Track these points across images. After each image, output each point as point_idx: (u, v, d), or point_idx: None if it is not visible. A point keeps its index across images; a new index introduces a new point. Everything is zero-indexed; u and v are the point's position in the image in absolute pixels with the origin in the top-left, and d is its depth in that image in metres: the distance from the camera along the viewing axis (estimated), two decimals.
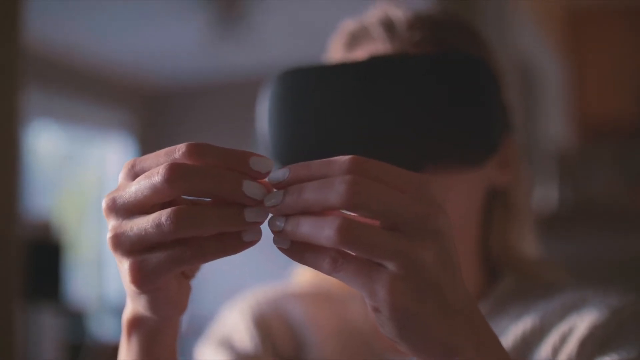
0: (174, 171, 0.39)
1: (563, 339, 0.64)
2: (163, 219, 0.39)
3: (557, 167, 3.39)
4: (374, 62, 0.60)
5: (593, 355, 0.58)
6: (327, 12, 2.94)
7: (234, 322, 0.77)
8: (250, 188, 0.40)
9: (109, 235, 0.42)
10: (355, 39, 0.71)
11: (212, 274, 5.09)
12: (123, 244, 0.41)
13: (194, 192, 0.40)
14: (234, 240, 0.41)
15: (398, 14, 0.69)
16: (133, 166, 0.42)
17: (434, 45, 0.67)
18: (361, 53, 0.69)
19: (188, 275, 0.47)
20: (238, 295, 0.82)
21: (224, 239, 0.41)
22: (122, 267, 0.42)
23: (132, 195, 0.41)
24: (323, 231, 0.38)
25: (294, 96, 0.60)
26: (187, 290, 0.47)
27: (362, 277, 0.39)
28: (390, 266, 0.39)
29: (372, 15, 0.71)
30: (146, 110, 5.33)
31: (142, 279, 0.41)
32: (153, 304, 0.43)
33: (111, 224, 0.42)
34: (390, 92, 0.58)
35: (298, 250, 0.41)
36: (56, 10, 3.66)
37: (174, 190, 0.39)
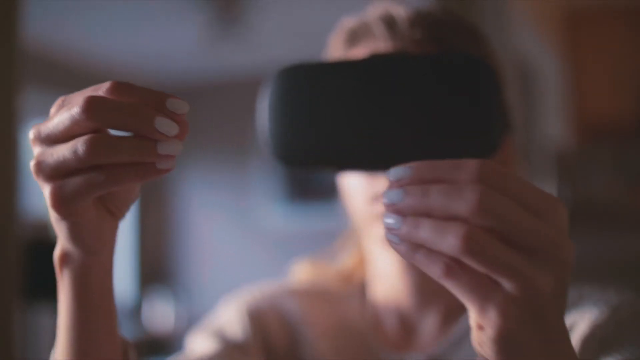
0: (91, 103, 0.41)
1: None
2: (79, 145, 0.41)
3: (556, 167, 3.39)
4: (374, 61, 0.59)
5: (596, 355, 0.58)
6: (326, 12, 2.94)
7: (227, 315, 0.78)
8: (163, 124, 0.41)
9: (31, 162, 0.44)
10: (355, 36, 0.71)
11: (212, 273, 5.09)
12: (44, 170, 0.43)
13: (110, 124, 0.41)
14: (148, 168, 0.42)
15: (399, 11, 0.69)
16: (63, 101, 0.44)
17: (434, 44, 0.67)
18: (361, 50, 0.69)
19: (113, 212, 0.48)
20: (235, 291, 0.82)
21: (139, 166, 0.42)
22: (44, 194, 0.44)
23: (54, 126, 0.43)
24: (446, 238, 0.38)
25: (294, 93, 0.60)
26: (111, 227, 0.48)
27: (474, 291, 0.39)
28: (508, 286, 0.38)
29: (373, 13, 0.71)
30: None
31: (59, 203, 0.43)
32: (73, 232, 0.45)
33: (35, 152, 0.44)
34: (391, 90, 0.58)
35: (410, 248, 0.40)
36: (55, 10, 3.65)
37: (90, 120, 0.41)
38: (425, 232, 0.38)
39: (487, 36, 0.73)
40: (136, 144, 0.41)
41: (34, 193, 4.06)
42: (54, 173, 0.43)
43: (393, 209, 0.40)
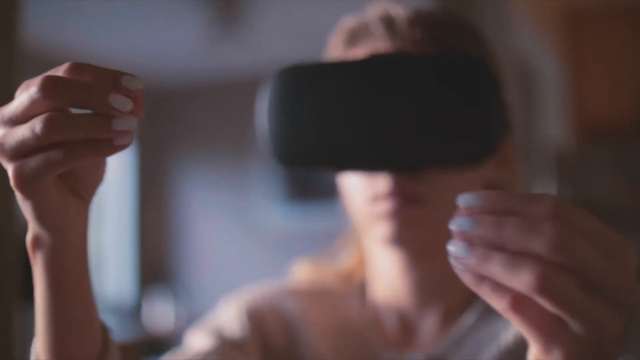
0: (47, 82, 0.42)
1: None
2: (36, 124, 0.42)
3: (556, 167, 3.39)
4: (374, 61, 0.59)
5: None
6: (325, 12, 2.94)
7: (226, 314, 0.78)
8: (117, 100, 0.42)
9: None
10: (355, 36, 0.71)
11: (212, 273, 5.09)
12: (6, 151, 0.44)
13: (66, 101, 0.42)
14: (105, 144, 0.43)
15: (399, 11, 0.69)
16: (26, 84, 0.45)
17: (434, 44, 0.67)
18: (361, 50, 0.69)
19: (80, 194, 0.48)
20: (236, 291, 0.82)
21: (96, 142, 0.43)
22: (9, 174, 0.45)
23: (15, 107, 0.44)
24: (519, 274, 0.37)
25: (293, 93, 0.60)
26: (78, 209, 0.48)
27: (541, 329, 0.38)
28: (576, 327, 0.38)
29: (373, 13, 0.71)
30: (145, 110, 5.32)
31: (20, 181, 0.44)
32: (37, 212, 0.46)
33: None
34: (390, 90, 0.58)
35: (476, 278, 0.39)
36: (55, 10, 3.65)
37: (47, 99, 0.42)
38: (496, 266, 0.38)
39: (486, 36, 0.73)
40: (92, 120, 0.42)
41: None
42: (15, 153, 0.44)
43: (462, 236, 0.39)
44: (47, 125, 0.42)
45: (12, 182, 0.45)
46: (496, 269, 0.38)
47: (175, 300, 4.97)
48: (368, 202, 0.68)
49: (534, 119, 3.51)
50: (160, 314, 4.86)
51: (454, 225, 0.40)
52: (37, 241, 0.49)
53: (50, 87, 0.42)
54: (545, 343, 0.38)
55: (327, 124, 0.60)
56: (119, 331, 4.50)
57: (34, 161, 0.43)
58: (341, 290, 0.79)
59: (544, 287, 0.36)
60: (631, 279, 0.38)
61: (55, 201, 0.46)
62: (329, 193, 4.47)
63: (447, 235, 0.69)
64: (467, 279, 0.40)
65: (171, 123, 5.41)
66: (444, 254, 0.70)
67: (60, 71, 0.44)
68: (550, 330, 0.38)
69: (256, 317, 0.76)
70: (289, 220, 4.85)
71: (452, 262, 0.40)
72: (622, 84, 4.24)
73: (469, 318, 0.70)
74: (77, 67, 0.43)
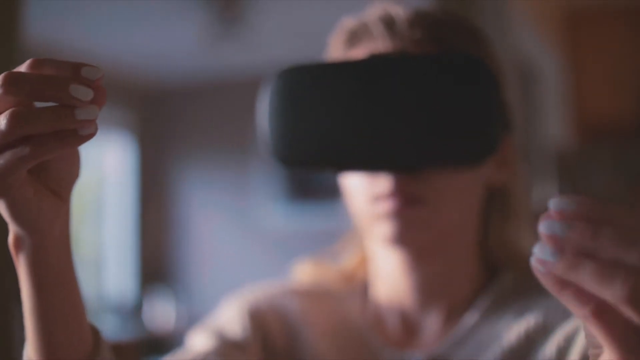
0: (8, 78, 0.42)
1: (568, 340, 0.64)
2: (0, 120, 0.42)
3: (557, 167, 3.39)
4: (374, 61, 0.60)
5: None
6: (326, 13, 2.94)
7: (228, 314, 0.78)
8: (77, 90, 0.43)
9: None
10: (355, 36, 0.71)
11: (212, 273, 5.09)
12: None
13: (28, 95, 0.43)
14: (70, 134, 0.43)
15: (398, 11, 0.69)
16: None
17: (434, 44, 0.67)
18: (361, 51, 0.69)
19: (56, 191, 0.48)
20: (237, 291, 0.82)
21: (61, 134, 0.43)
22: None
23: None
24: (613, 285, 0.36)
25: (294, 93, 0.60)
26: (55, 206, 0.48)
27: (622, 339, 0.37)
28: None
29: (373, 13, 0.71)
30: (145, 109, 5.33)
31: None
32: (11, 211, 0.46)
33: None
34: (391, 91, 0.58)
35: (559, 284, 0.38)
36: (56, 9, 3.66)
37: (9, 94, 0.42)
38: (587, 274, 0.37)
39: (487, 36, 0.73)
40: (55, 111, 0.43)
41: None
42: None
43: (552, 240, 0.38)
44: (10, 120, 0.42)
45: None
46: (586, 277, 0.37)
47: (175, 300, 4.97)
48: (369, 202, 0.68)
49: (534, 119, 3.51)
50: (161, 313, 4.86)
51: (543, 228, 0.38)
52: (18, 241, 0.49)
53: (10, 82, 0.42)
54: (625, 353, 0.37)
55: (327, 124, 0.60)
56: (119, 330, 4.50)
57: (2, 158, 0.43)
58: (343, 290, 0.79)
59: (636, 298, 0.35)
60: None
61: (29, 199, 0.46)
62: (329, 193, 4.47)
63: (448, 235, 0.70)
64: (550, 284, 0.38)
65: (171, 123, 5.41)
66: (446, 253, 0.71)
67: (22, 68, 0.44)
68: (632, 342, 0.37)
69: (257, 317, 0.76)
70: (289, 220, 4.85)
71: (535, 264, 0.38)
72: (622, 84, 4.24)
73: (470, 318, 0.71)
74: (38, 62, 0.44)
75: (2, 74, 0.43)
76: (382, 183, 0.66)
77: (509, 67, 2.39)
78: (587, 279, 0.37)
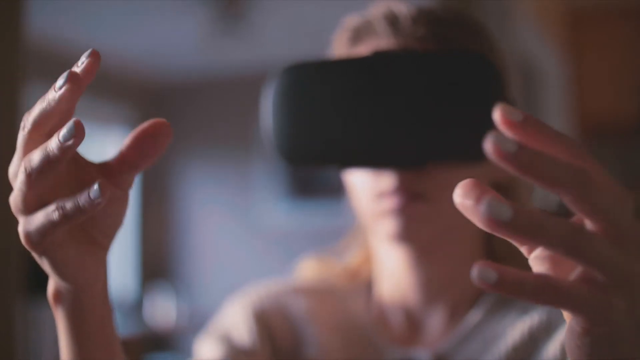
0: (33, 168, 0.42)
1: None
2: (19, 180, 0.42)
3: None
4: (378, 58, 0.60)
5: None
6: (328, 9, 2.94)
7: (234, 317, 0.78)
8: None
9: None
10: (358, 34, 0.71)
11: (214, 270, 5.10)
12: (12, 207, 0.44)
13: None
14: (86, 200, 0.42)
15: (402, 9, 0.69)
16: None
17: (437, 41, 0.67)
18: (365, 48, 0.69)
19: (99, 242, 0.48)
20: (239, 290, 0.82)
21: (79, 199, 0.42)
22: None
23: (13, 163, 0.45)
24: (560, 239, 0.35)
25: (298, 91, 0.60)
26: (98, 259, 0.47)
27: (584, 298, 0.36)
28: (606, 280, 0.37)
29: (376, 11, 0.71)
30: (147, 105, 5.33)
31: (27, 240, 0.44)
32: (54, 268, 0.45)
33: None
34: (394, 87, 0.58)
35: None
36: (58, 5, 3.66)
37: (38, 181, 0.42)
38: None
39: (490, 33, 0.73)
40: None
41: None
42: (16, 210, 0.44)
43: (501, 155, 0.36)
44: (25, 175, 0.42)
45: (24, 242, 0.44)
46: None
47: (176, 297, 4.97)
48: (373, 199, 0.68)
49: (537, 117, 3.51)
50: (162, 310, 4.86)
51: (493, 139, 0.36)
52: (58, 294, 0.48)
53: (37, 174, 0.42)
54: (592, 310, 0.36)
55: (331, 121, 0.60)
56: (120, 327, 4.50)
57: (36, 219, 0.43)
58: (347, 288, 0.79)
59: (572, 244, 0.35)
60: (636, 219, 0.38)
61: (71, 255, 0.45)
62: (332, 191, 4.48)
63: (453, 232, 0.70)
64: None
65: (173, 120, 5.40)
66: (450, 250, 0.71)
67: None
68: (590, 296, 0.36)
69: (263, 320, 0.76)
70: (291, 217, 4.86)
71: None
72: (624, 84, 4.24)
73: (475, 315, 0.71)
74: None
75: (28, 158, 0.42)
76: (386, 180, 0.66)
77: (512, 64, 2.38)
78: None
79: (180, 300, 4.98)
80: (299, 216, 4.84)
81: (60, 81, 0.42)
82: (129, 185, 0.47)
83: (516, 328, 0.68)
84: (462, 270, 0.72)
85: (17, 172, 0.44)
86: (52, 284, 0.48)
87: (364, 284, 0.79)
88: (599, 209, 0.36)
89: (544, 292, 0.35)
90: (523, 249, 0.40)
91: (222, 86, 5.20)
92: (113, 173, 0.46)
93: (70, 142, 0.41)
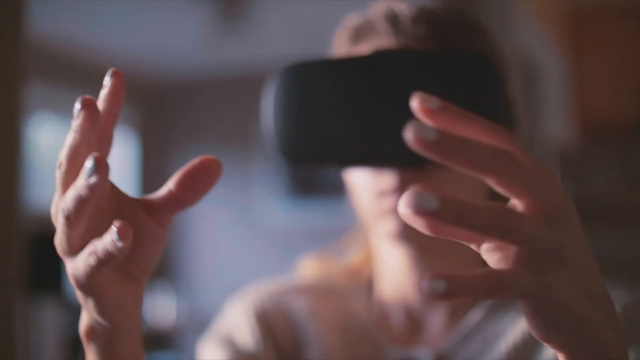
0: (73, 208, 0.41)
1: None
2: (60, 222, 0.41)
3: (559, 166, 3.39)
4: (378, 57, 0.60)
5: None
6: (329, 9, 2.94)
7: (235, 319, 0.78)
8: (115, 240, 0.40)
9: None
10: (359, 33, 0.71)
11: (214, 268, 5.10)
12: (59, 249, 0.43)
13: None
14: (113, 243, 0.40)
15: (403, 8, 0.69)
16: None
17: (438, 40, 0.67)
18: (365, 47, 0.69)
19: (136, 278, 0.46)
20: (240, 290, 0.82)
21: (108, 240, 0.40)
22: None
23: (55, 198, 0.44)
24: (487, 221, 0.36)
25: (299, 90, 0.60)
26: (136, 295, 0.46)
27: (521, 281, 0.37)
28: (540, 259, 0.37)
29: (377, 10, 0.71)
30: (147, 104, 5.33)
31: (74, 280, 0.43)
32: (99, 307, 0.44)
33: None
34: (395, 86, 0.58)
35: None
36: (58, 5, 3.66)
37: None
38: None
39: (491, 32, 0.73)
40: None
41: (37, 186, 4.07)
42: (62, 251, 0.43)
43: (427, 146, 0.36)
44: (63, 216, 0.41)
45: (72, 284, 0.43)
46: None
47: (176, 295, 4.97)
48: (374, 198, 0.68)
49: (537, 117, 3.51)
50: (162, 308, 4.86)
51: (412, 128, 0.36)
52: (91, 331, 0.47)
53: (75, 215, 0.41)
54: (528, 285, 0.36)
55: (332, 120, 0.60)
56: None
57: (79, 262, 0.42)
58: (347, 287, 0.79)
59: (499, 224, 0.36)
60: (567, 198, 0.38)
61: (115, 295, 0.44)
62: (332, 190, 4.48)
63: None
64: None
65: (174, 118, 5.41)
66: (450, 249, 0.71)
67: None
68: (525, 269, 0.37)
69: (264, 320, 0.76)
70: (291, 216, 4.86)
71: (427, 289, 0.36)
72: (625, 83, 4.24)
73: (475, 315, 0.71)
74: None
75: (72, 198, 0.41)
76: (386, 179, 0.66)
77: (513, 64, 2.38)
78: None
79: (180, 299, 4.98)
80: (299, 215, 4.84)
81: (76, 107, 0.41)
82: (169, 221, 0.46)
83: (517, 327, 0.68)
84: (463, 269, 0.72)
85: (58, 209, 0.43)
86: (87, 320, 0.47)
87: (365, 283, 0.79)
88: (526, 188, 0.37)
89: (496, 287, 0.35)
90: (473, 246, 0.41)
91: (223, 85, 5.20)
92: (157, 209, 0.45)
93: (94, 180, 0.39)
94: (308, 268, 0.85)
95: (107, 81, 0.42)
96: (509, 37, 2.51)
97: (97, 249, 0.41)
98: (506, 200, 0.39)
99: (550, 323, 0.37)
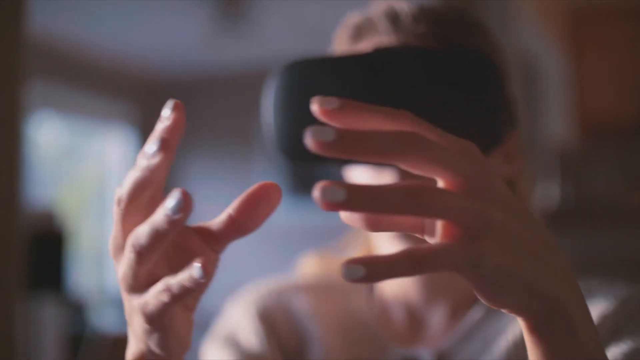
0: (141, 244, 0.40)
1: None
2: (128, 259, 0.40)
3: (559, 165, 3.39)
4: (378, 54, 0.60)
5: (605, 343, 0.58)
6: (329, 7, 2.94)
7: (238, 318, 0.77)
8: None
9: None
10: (360, 31, 0.71)
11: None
12: (125, 285, 0.42)
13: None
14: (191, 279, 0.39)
15: (403, 6, 0.69)
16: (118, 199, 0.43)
17: (438, 38, 0.67)
18: (365, 45, 0.69)
19: (192, 310, 0.46)
20: (241, 289, 0.82)
21: (186, 276, 0.39)
22: (130, 308, 0.43)
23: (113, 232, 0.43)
24: (402, 200, 0.35)
25: (299, 88, 0.61)
26: (190, 324, 0.46)
27: (450, 251, 0.36)
28: (466, 227, 0.37)
29: (377, 8, 0.71)
30: (148, 102, 5.33)
31: (146, 318, 0.41)
32: (162, 340, 0.43)
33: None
34: (395, 83, 0.58)
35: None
36: (59, 3, 3.66)
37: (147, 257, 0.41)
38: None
39: (491, 31, 0.73)
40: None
41: (37, 184, 4.07)
42: (130, 288, 0.42)
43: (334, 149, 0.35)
44: (135, 252, 0.40)
45: (142, 319, 0.42)
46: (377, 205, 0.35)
47: None
48: None
49: (537, 116, 3.51)
50: None
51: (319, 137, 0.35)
52: None
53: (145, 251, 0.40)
54: (458, 257, 0.36)
55: None
56: (120, 324, 4.51)
57: (150, 298, 0.41)
58: (348, 285, 0.79)
59: (418, 202, 0.35)
60: (483, 164, 0.38)
61: (178, 327, 0.44)
62: None
63: None
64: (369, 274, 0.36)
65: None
66: None
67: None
68: (453, 245, 0.36)
69: (267, 319, 0.76)
70: (291, 214, 4.86)
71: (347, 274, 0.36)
72: (625, 83, 4.24)
73: (476, 313, 0.71)
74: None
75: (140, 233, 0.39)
76: (386, 177, 0.66)
77: (513, 63, 2.38)
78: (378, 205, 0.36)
79: None
80: (300, 213, 4.84)
81: (152, 147, 0.40)
82: (224, 248, 0.45)
83: (517, 324, 0.68)
84: None
85: (118, 247, 0.42)
86: (138, 349, 0.45)
87: None
88: (440, 165, 0.37)
89: (420, 263, 0.35)
90: (424, 236, 0.41)
91: (223, 84, 5.20)
92: (214, 236, 0.44)
93: (178, 216, 0.39)
94: (309, 267, 0.85)
95: (167, 114, 0.41)
96: (509, 36, 2.51)
97: (172, 286, 0.39)
98: None
99: (497, 289, 0.37)
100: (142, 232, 0.40)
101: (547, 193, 3.04)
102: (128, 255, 0.40)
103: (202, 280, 0.38)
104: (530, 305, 0.39)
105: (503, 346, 0.67)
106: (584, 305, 0.41)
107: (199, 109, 5.30)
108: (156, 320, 0.41)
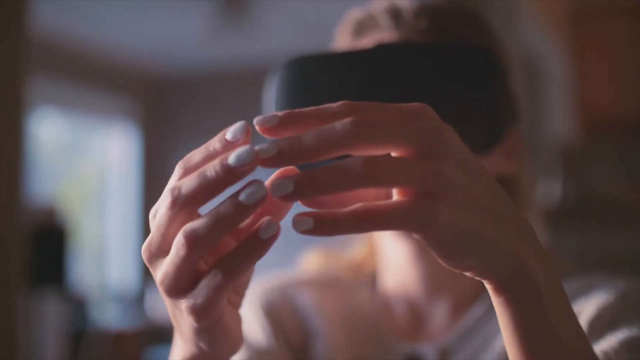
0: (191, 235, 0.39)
1: None
2: (176, 249, 0.38)
3: (561, 162, 3.39)
4: (380, 50, 0.60)
5: (603, 333, 0.59)
6: (331, 4, 2.94)
7: (243, 313, 0.78)
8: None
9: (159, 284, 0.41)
10: (361, 27, 0.71)
11: None
12: (166, 289, 0.41)
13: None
14: (257, 243, 0.38)
15: (404, 2, 0.69)
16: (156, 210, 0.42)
17: (439, 34, 0.67)
18: (367, 41, 0.69)
19: (235, 302, 0.45)
20: None
21: (247, 246, 0.38)
22: (176, 311, 0.42)
23: (152, 237, 0.41)
24: (349, 175, 0.35)
25: (301, 84, 0.61)
26: (240, 321, 0.45)
27: (406, 210, 0.36)
28: (418, 187, 0.37)
29: (379, 4, 0.71)
30: (150, 98, 5.33)
31: (198, 315, 0.40)
32: (212, 338, 0.42)
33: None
34: (397, 79, 0.58)
35: (325, 222, 0.36)
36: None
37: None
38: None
39: (493, 26, 0.73)
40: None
41: (39, 180, 4.07)
42: (176, 290, 0.40)
43: (272, 162, 0.36)
44: (188, 246, 0.38)
45: (192, 320, 0.40)
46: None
47: None
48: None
49: (539, 114, 3.51)
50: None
51: (262, 155, 0.36)
52: None
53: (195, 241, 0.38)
54: (412, 220, 0.36)
55: None
56: (121, 320, 4.51)
57: (199, 292, 0.39)
58: (352, 281, 0.79)
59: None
60: (435, 122, 0.38)
61: (231, 322, 0.43)
62: None
63: None
64: (319, 229, 0.37)
65: (176, 112, 5.41)
66: None
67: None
68: (407, 209, 0.36)
69: (273, 314, 0.76)
70: (294, 210, 4.85)
71: (296, 226, 0.37)
72: (626, 81, 4.24)
73: (478, 309, 0.71)
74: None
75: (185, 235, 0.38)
76: None
77: (515, 60, 2.38)
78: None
79: None
80: (302, 209, 4.83)
81: (243, 155, 0.37)
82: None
83: None
84: None
85: (158, 252, 0.40)
86: (188, 352, 0.45)
87: (369, 277, 0.79)
88: (388, 139, 0.37)
89: (366, 219, 0.36)
90: None
91: (225, 80, 5.20)
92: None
93: (253, 200, 0.38)
94: (312, 262, 0.85)
95: (235, 138, 0.39)
96: (511, 35, 2.51)
97: (232, 258, 0.38)
98: None
99: (455, 250, 0.37)
100: (199, 224, 0.38)
101: (548, 191, 3.04)
102: (177, 254, 0.38)
103: (272, 237, 0.38)
104: (492, 267, 0.38)
105: (503, 343, 0.67)
106: (553, 277, 0.40)
107: (200, 104, 5.30)
108: (207, 315, 0.39)
